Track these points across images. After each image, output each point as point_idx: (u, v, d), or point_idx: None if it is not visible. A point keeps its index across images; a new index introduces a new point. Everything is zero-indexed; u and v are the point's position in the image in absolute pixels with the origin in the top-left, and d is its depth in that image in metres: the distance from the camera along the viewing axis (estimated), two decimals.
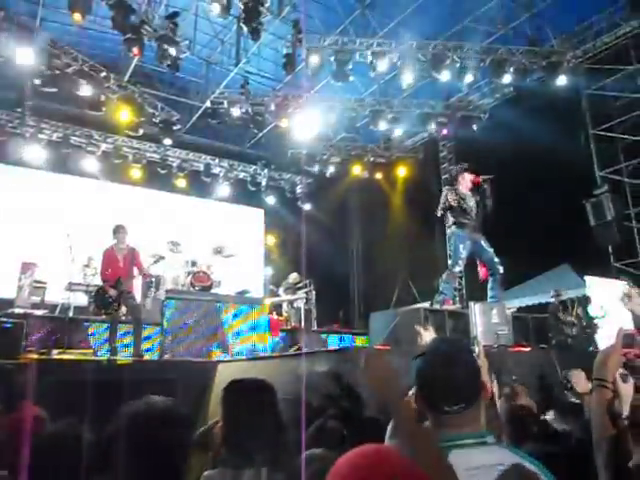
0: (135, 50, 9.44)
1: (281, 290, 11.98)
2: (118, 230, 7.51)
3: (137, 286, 9.99)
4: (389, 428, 1.61)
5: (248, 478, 1.74)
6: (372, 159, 14.43)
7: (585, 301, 10.25)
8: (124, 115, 11.48)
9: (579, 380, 4.45)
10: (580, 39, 11.90)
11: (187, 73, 12.25)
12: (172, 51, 9.83)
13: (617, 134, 11.94)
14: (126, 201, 13.08)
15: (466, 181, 7.65)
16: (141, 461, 1.34)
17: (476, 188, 7.53)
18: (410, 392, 1.73)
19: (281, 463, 1.74)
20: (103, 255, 7.43)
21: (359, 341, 10.80)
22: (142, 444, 1.35)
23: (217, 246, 11.52)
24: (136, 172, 13.69)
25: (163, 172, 14.03)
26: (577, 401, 3.65)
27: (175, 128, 12.67)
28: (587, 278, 10.77)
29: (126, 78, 11.63)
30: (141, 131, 12.18)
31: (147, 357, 7.62)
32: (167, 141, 13.09)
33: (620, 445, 1.76)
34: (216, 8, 8.85)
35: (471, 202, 7.54)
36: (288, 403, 2.22)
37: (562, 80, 11.45)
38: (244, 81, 11.67)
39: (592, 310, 10.10)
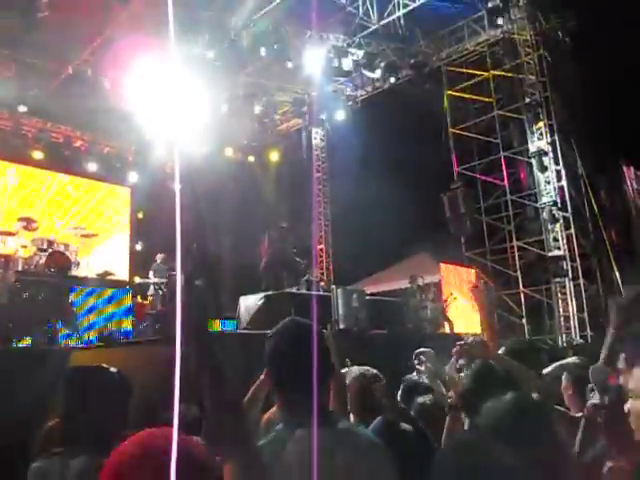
0: None
1: (150, 272, 11.51)
2: None
3: None
4: None
5: (77, 464, 1.70)
6: (245, 142, 14.33)
7: (438, 286, 11.09)
8: None
9: (429, 359, 4.82)
10: (444, 43, 12.71)
11: (49, 34, 11.17)
12: (29, 8, 8.96)
13: (473, 134, 12.99)
14: None
15: None
16: None
17: None
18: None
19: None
20: None
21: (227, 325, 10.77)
22: None
23: (77, 225, 10.80)
24: None
25: (16, 142, 12.80)
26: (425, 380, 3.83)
27: (31, 94, 11.59)
28: (441, 265, 11.66)
29: None
30: None
31: None
32: (22, 108, 11.95)
33: None
34: None
35: None
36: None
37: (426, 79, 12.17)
38: None
39: (444, 294, 10.97)
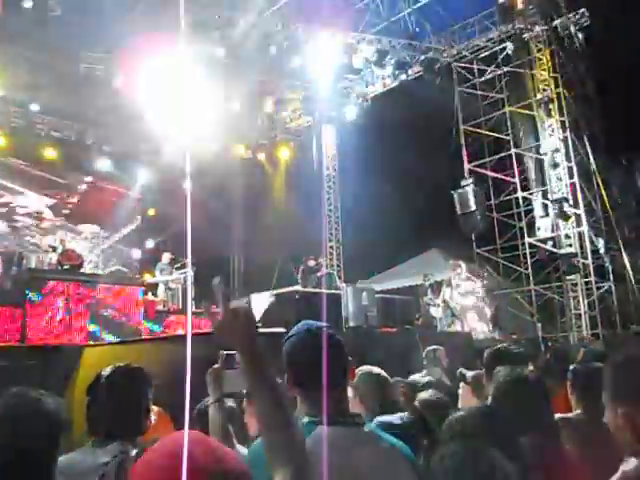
0: None
1: (157, 271, 11.57)
2: None
3: None
4: None
5: (106, 455, 1.76)
6: (255, 139, 14.35)
7: (450, 284, 11.03)
8: None
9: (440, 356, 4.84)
10: (455, 39, 12.62)
11: (60, 34, 11.22)
12: (40, 6, 9.05)
13: (483, 131, 12.91)
14: None
15: None
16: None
17: None
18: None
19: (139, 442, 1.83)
20: None
21: None
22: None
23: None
24: None
25: (29, 140, 12.94)
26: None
27: (43, 92, 11.70)
28: (452, 263, 11.58)
29: None
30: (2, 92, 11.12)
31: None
32: (34, 106, 12.08)
33: None
34: None
35: None
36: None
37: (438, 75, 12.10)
38: None
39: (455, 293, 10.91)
